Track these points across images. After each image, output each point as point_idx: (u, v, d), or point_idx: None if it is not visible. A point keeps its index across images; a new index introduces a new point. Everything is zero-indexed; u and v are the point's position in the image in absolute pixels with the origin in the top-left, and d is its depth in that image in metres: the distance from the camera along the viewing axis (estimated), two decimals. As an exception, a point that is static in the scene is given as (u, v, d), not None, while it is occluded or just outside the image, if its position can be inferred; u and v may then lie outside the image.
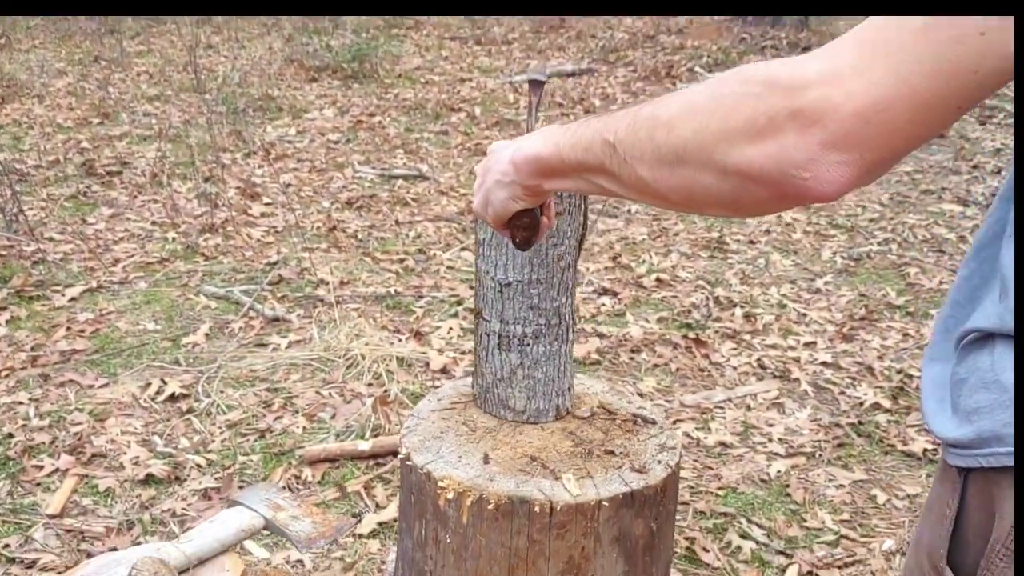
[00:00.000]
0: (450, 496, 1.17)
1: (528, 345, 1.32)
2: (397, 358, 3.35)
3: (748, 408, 3.21)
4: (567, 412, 1.38)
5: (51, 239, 4.44)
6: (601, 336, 3.64)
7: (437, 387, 3.26)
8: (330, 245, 4.47)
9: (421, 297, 3.93)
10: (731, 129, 0.71)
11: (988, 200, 5.42)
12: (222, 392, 3.15)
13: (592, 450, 1.26)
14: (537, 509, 1.14)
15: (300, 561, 2.24)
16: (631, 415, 1.36)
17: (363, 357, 3.31)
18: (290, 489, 2.66)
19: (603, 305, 3.94)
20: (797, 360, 3.54)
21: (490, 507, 1.14)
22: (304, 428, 2.97)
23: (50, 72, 7.83)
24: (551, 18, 10.17)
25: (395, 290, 3.96)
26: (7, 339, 3.48)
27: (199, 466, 2.76)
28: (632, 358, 3.51)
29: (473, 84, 7.84)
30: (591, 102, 7.24)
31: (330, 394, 3.16)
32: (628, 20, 10.06)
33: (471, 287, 4.05)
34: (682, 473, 2.83)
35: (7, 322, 3.60)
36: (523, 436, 1.29)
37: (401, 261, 4.30)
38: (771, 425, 3.11)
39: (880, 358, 3.56)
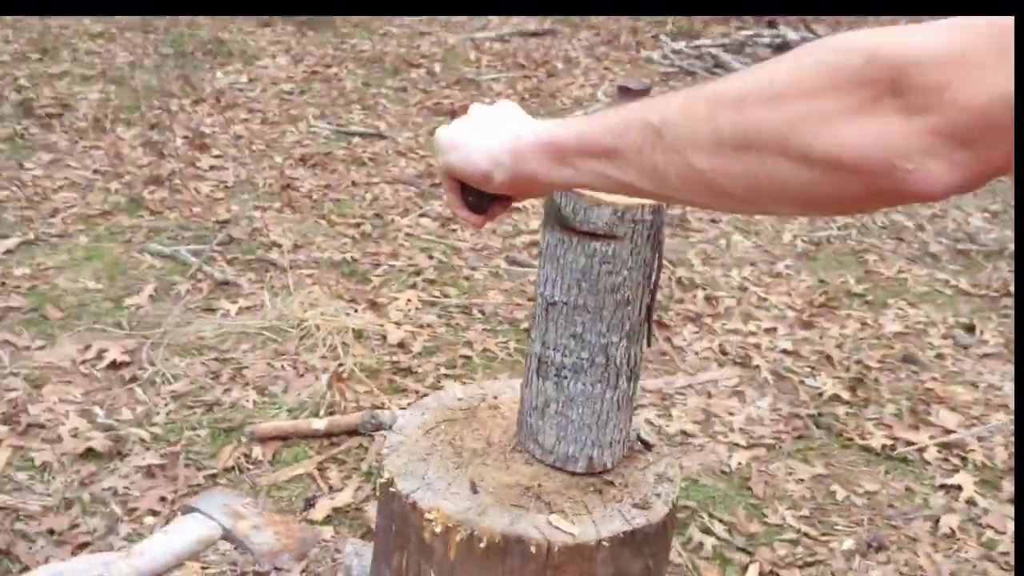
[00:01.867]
0: (437, 530, 1.08)
1: (565, 378, 1.18)
2: (353, 330, 3.23)
3: (709, 395, 3.18)
4: (604, 468, 1.22)
5: (-16, 184, 4.19)
6: (563, 314, 3.56)
7: (395, 362, 3.16)
8: (283, 204, 4.30)
9: (378, 265, 3.80)
10: (822, 106, 0.60)
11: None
12: (167, 360, 3.00)
13: (590, 481, 1.18)
14: (533, 549, 1.06)
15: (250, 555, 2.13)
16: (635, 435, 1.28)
17: (317, 328, 3.19)
18: (239, 469, 2.55)
19: (564, 281, 3.85)
20: (758, 346, 3.51)
21: (481, 545, 1.06)
22: (254, 402, 2.85)
23: (-16, 0, 7.38)
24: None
25: (352, 257, 3.82)
26: (-65, 293, 3.28)
27: (143, 440, 2.62)
28: (594, 339, 3.45)
29: (433, 39, 7.61)
30: (554, 65, 7.09)
31: (282, 366, 3.03)
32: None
33: (430, 256, 3.94)
34: (643, 462, 2.78)
35: (-65, 274, 3.39)
36: (514, 463, 1.20)
37: (358, 226, 4.15)
38: (732, 414, 3.08)
39: (839, 347, 3.56)
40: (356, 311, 3.39)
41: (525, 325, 3.46)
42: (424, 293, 3.61)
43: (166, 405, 2.80)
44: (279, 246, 3.83)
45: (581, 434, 1.19)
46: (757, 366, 3.37)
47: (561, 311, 1.17)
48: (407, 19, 8.15)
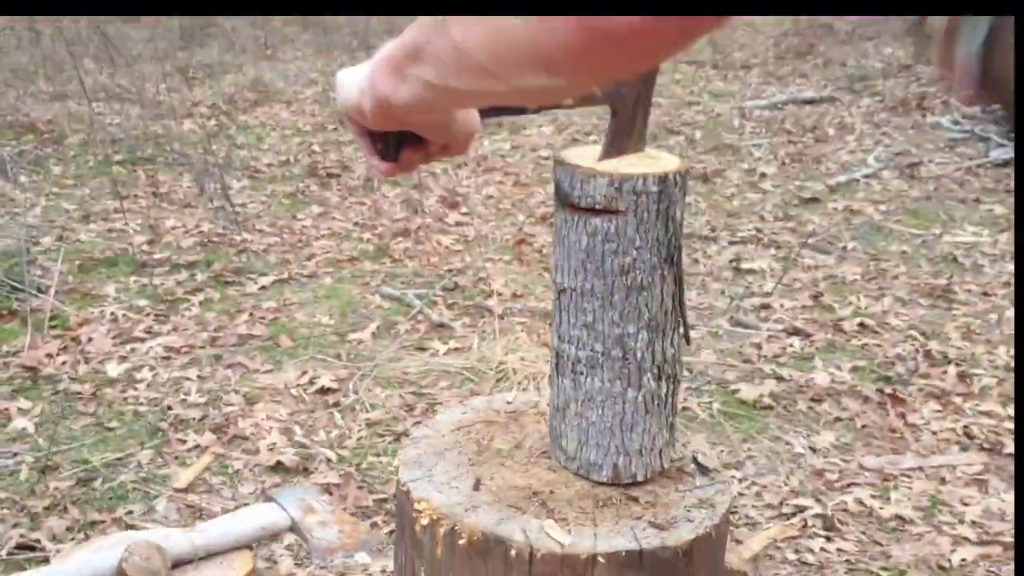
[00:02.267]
0: (424, 522, 0.99)
1: (581, 374, 1.08)
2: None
3: (942, 481, 2.75)
4: (633, 480, 1.07)
5: (261, 231, 4.69)
6: (779, 379, 3.28)
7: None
8: (513, 258, 4.40)
9: (592, 317, 3.74)
10: None
11: None
12: (370, 391, 3.13)
13: (611, 494, 1.03)
14: (514, 553, 0.93)
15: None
16: (690, 457, 1.11)
17: (514, 372, 3.18)
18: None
19: (790, 346, 3.56)
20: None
21: (461, 542, 0.95)
22: (440, 437, 2.87)
23: (302, 81, 8.42)
24: (797, 43, 9.65)
25: (566, 308, 3.80)
26: (196, 319, 3.68)
27: (329, 460, 2.73)
28: (811, 407, 3.13)
29: (699, 108, 7.54)
30: (825, 131, 6.72)
31: (474, 406, 3.04)
32: (886, 50, 9.33)
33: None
34: (843, 546, 2.45)
35: (200, 303, 3.82)
36: (536, 467, 1.08)
37: (580, 279, 4.13)
38: (966, 504, 2.63)
39: None
40: (558, 359, 3.34)
41: (735, 387, 3.22)
42: (633, 347, 3.48)
43: (359, 431, 2.91)
44: (499, 294, 3.90)
45: (603, 438, 1.05)
46: (1010, 454, 2.87)
47: (571, 298, 1.06)
48: (677, 90, 8.15)
